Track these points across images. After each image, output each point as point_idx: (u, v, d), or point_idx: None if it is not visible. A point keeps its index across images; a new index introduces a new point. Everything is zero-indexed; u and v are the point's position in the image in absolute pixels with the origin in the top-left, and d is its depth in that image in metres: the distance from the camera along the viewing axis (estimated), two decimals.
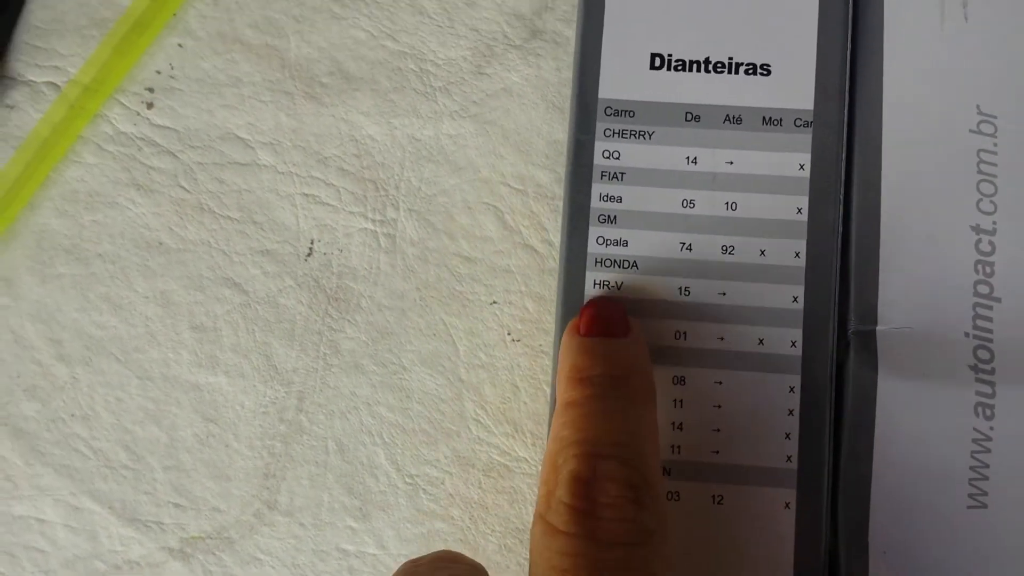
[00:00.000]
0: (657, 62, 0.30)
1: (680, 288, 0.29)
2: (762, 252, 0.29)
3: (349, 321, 0.32)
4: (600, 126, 0.30)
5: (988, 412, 0.28)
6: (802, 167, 0.29)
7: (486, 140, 0.33)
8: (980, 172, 0.29)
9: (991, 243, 0.28)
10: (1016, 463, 0.28)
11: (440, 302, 0.32)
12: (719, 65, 0.30)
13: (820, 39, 0.29)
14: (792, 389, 0.28)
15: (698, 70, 0.30)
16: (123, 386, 0.32)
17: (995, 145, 0.29)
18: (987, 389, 0.28)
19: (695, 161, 0.29)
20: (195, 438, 0.32)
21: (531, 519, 0.31)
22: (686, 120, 0.29)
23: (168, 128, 0.33)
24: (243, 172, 0.33)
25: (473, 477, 0.31)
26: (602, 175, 0.29)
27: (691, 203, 0.29)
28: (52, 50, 0.34)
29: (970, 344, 0.28)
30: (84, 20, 0.34)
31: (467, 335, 0.32)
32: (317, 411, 0.32)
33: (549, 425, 0.29)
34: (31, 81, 0.34)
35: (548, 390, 0.31)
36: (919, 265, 0.29)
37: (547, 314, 0.32)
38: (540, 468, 0.27)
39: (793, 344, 0.28)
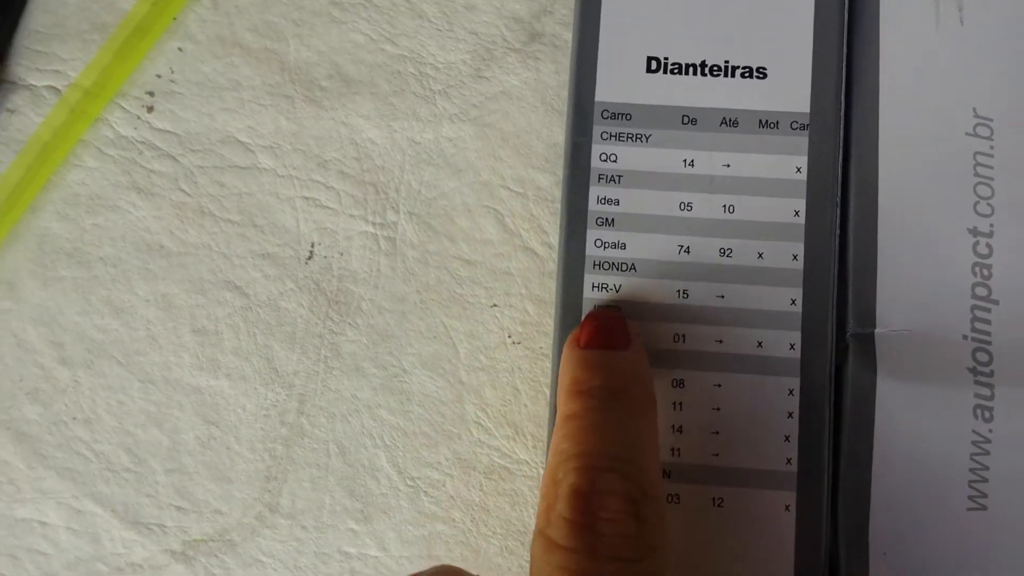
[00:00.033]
0: (653, 65, 0.30)
1: (678, 291, 0.29)
2: (760, 255, 0.29)
3: (350, 324, 0.32)
4: (597, 129, 0.30)
5: (987, 414, 0.28)
6: (799, 170, 0.29)
7: (486, 143, 0.33)
8: (977, 175, 0.29)
9: (988, 245, 0.28)
10: (1015, 464, 0.28)
11: (440, 305, 0.32)
12: (715, 68, 0.30)
13: (816, 42, 0.29)
14: (791, 392, 0.28)
15: (694, 73, 0.30)
16: (125, 389, 0.32)
17: (991, 148, 0.29)
18: (986, 391, 0.28)
19: (692, 164, 0.29)
20: (197, 441, 0.32)
21: (532, 521, 0.31)
22: (683, 123, 0.29)
23: (168, 132, 0.33)
24: (243, 175, 0.33)
25: (474, 479, 0.31)
26: (599, 178, 0.29)
27: (688, 206, 0.29)
28: (53, 54, 0.34)
29: (968, 346, 0.28)
30: (85, 24, 0.34)
31: (468, 338, 0.32)
32: (318, 414, 0.32)
33: (549, 428, 0.29)
34: (32, 85, 0.34)
35: (548, 392, 0.31)
36: (917, 268, 0.29)
37: (547, 317, 0.32)
38: (540, 481, 0.27)
39: (792, 347, 0.28)
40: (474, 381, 0.32)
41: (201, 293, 0.33)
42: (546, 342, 0.32)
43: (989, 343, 0.28)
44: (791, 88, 0.29)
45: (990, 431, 0.28)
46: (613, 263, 0.29)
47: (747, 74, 0.30)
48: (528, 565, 0.30)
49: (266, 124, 0.33)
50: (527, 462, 0.31)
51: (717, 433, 0.28)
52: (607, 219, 0.29)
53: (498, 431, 0.31)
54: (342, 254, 0.32)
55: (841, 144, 0.29)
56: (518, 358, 0.32)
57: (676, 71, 0.30)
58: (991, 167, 0.29)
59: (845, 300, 0.29)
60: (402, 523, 0.31)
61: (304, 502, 0.31)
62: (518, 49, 0.33)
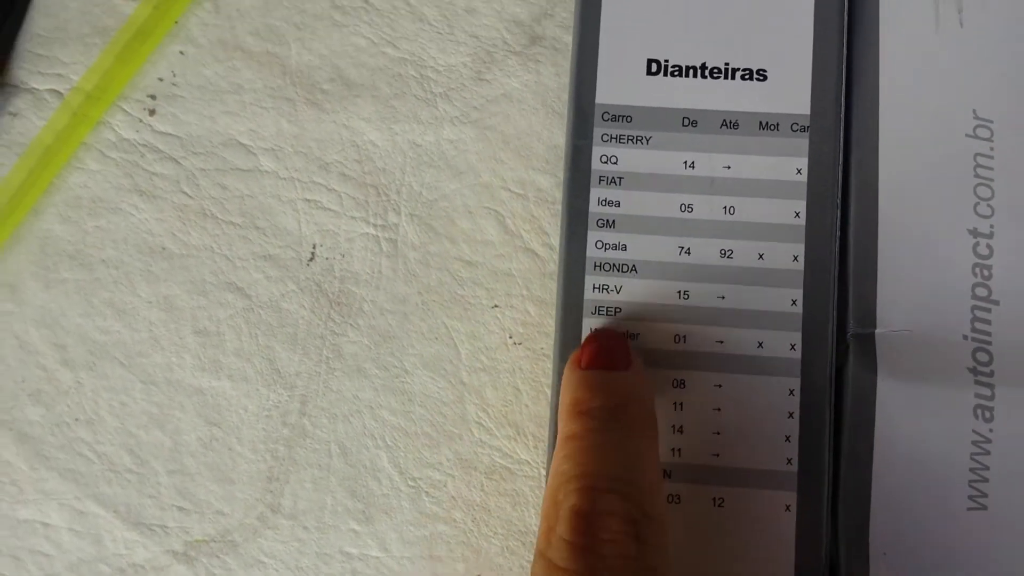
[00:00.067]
0: (654, 68, 0.30)
1: (679, 292, 0.29)
2: (760, 256, 0.29)
3: (351, 325, 0.32)
4: (598, 131, 0.30)
5: (987, 414, 0.28)
6: (799, 171, 0.29)
7: (486, 145, 0.33)
8: (977, 176, 0.29)
9: (989, 246, 0.29)
10: (1015, 465, 0.28)
11: (442, 306, 0.32)
12: (715, 70, 0.30)
13: (816, 44, 0.30)
14: (792, 392, 0.28)
15: (694, 75, 0.30)
16: (127, 390, 0.32)
17: (991, 149, 0.29)
18: (986, 391, 0.28)
19: (692, 165, 0.29)
20: (199, 442, 0.32)
21: (534, 521, 0.31)
22: (683, 125, 0.29)
23: (170, 134, 0.34)
24: (245, 178, 0.33)
25: (475, 480, 0.31)
26: (600, 180, 0.29)
27: (689, 207, 0.29)
28: (55, 58, 0.34)
29: (969, 347, 0.28)
30: (87, 28, 0.34)
31: (469, 338, 0.32)
32: (320, 415, 0.32)
33: (550, 429, 0.29)
34: (34, 89, 0.34)
35: (549, 393, 0.31)
36: (917, 268, 0.29)
37: (548, 318, 0.32)
38: (542, 495, 0.27)
39: (792, 347, 0.28)
40: (475, 382, 0.32)
41: (203, 295, 0.33)
42: (547, 343, 0.32)
43: (989, 343, 0.28)
44: (791, 90, 0.29)
45: (990, 431, 0.28)
46: (614, 264, 0.29)
47: (747, 76, 0.30)
48: (529, 566, 0.30)
49: (268, 127, 0.33)
50: (528, 462, 0.31)
51: (718, 433, 0.28)
52: (608, 221, 0.29)
53: (499, 431, 0.31)
54: (343, 256, 0.33)
55: (841, 146, 0.29)
56: (519, 359, 0.32)
57: (676, 73, 0.30)
58: (991, 168, 0.29)
59: (845, 301, 0.29)
60: (403, 523, 0.31)
61: (306, 503, 0.32)
62: (519, 52, 0.33)
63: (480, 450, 0.31)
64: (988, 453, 0.28)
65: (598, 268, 0.29)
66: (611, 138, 0.30)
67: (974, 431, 0.28)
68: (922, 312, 0.28)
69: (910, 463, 0.28)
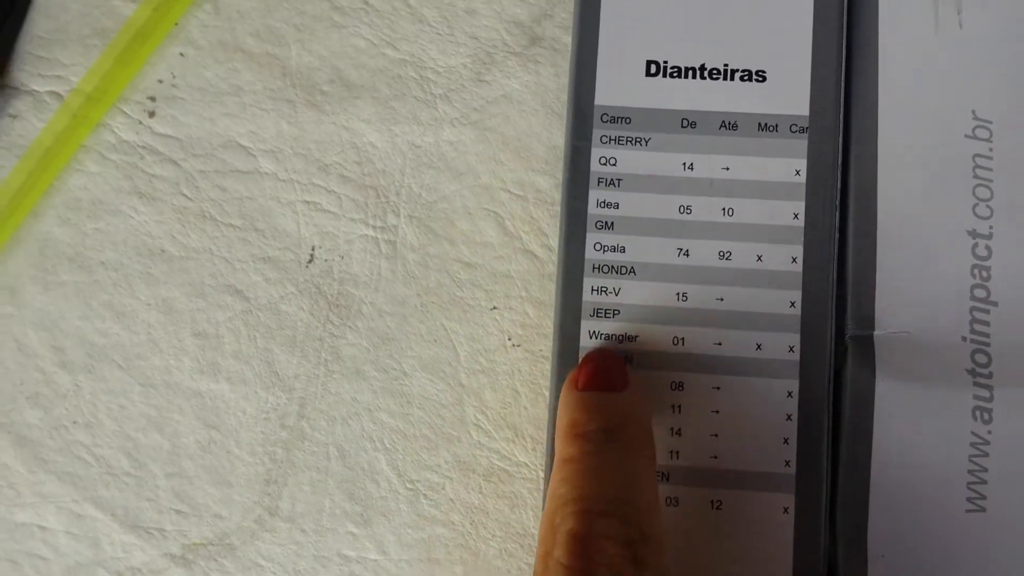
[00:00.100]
0: (653, 69, 0.30)
1: (678, 294, 0.29)
2: (759, 257, 0.29)
3: (350, 327, 0.32)
4: (596, 132, 0.30)
5: (986, 416, 0.28)
6: (798, 172, 0.29)
7: (486, 146, 0.33)
8: (976, 177, 0.29)
9: (987, 247, 0.28)
10: (1014, 466, 0.28)
11: (441, 308, 0.32)
12: (714, 72, 0.30)
13: (815, 45, 0.30)
14: (790, 394, 0.28)
15: (694, 77, 0.30)
16: (125, 393, 0.32)
17: (990, 150, 0.29)
18: (985, 393, 0.28)
19: (691, 167, 0.29)
20: (197, 445, 0.32)
21: (532, 523, 0.31)
22: (682, 126, 0.29)
23: (170, 136, 0.34)
24: (245, 180, 0.33)
25: (474, 482, 0.31)
26: (599, 181, 0.29)
27: (688, 209, 0.29)
28: (55, 60, 0.34)
29: (967, 348, 0.28)
30: (86, 30, 0.34)
31: (468, 340, 0.32)
32: (318, 417, 0.32)
33: (549, 431, 0.29)
34: (34, 91, 0.34)
35: (548, 395, 0.31)
36: (916, 269, 0.29)
37: (547, 319, 0.32)
38: (538, 527, 0.27)
39: (791, 349, 0.28)
40: (474, 384, 0.32)
41: (202, 297, 0.33)
42: (546, 345, 0.32)
43: (988, 345, 0.28)
44: (790, 91, 0.29)
45: (989, 433, 0.28)
46: (612, 266, 0.29)
47: (746, 77, 0.30)
48: (528, 568, 0.30)
49: (267, 128, 0.33)
50: (527, 464, 0.31)
51: (716, 436, 0.28)
52: (607, 222, 0.29)
53: (498, 433, 0.31)
54: (343, 257, 0.33)
55: (840, 147, 0.29)
56: (518, 360, 0.32)
57: (675, 75, 0.30)
58: (990, 169, 0.29)
59: (844, 302, 0.29)
60: (401, 526, 0.31)
61: (304, 505, 0.31)
62: (518, 53, 0.33)
63: (479, 452, 0.31)
64: (987, 455, 0.28)
65: (597, 270, 0.29)
66: (610, 139, 0.30)
67: (973, 433, 0.28)
68: (921, 314, 0.28)
69: (908, 465, 0.28)
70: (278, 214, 0.33)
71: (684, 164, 0.29)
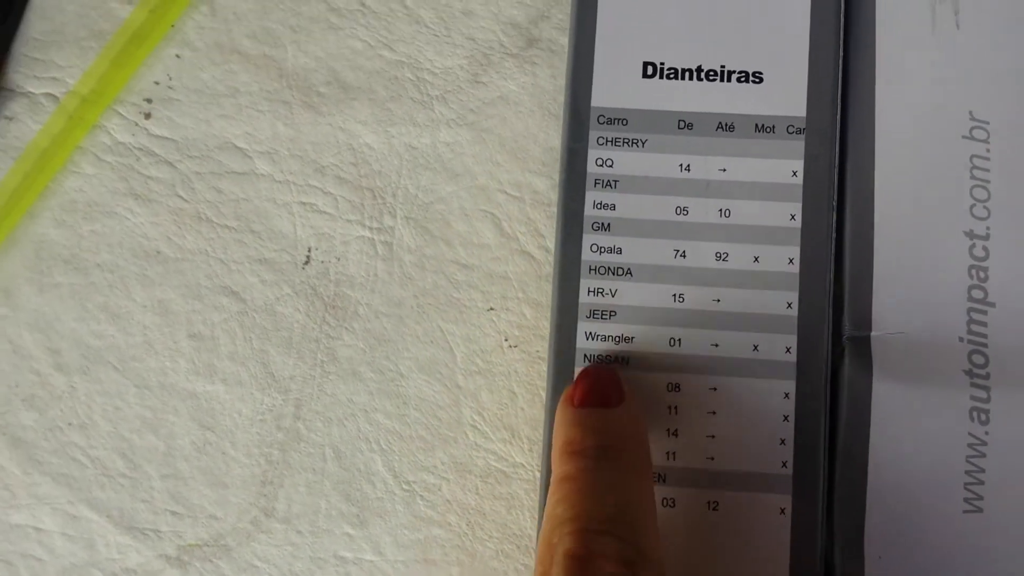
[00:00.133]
0: (649, 70, 0.30)
1: (674, 295, 0.29)
2: (756, 259, 0.29)
3: (347, 328, 0.32)
4: (593, 134, 0.30)
5: (983, 417, 0.28)
6: (795, 174, 0.29)
7: (483, 148, 0.33)
8: (973, 177, 0.29)
9: (985, 248, 0.28)
10: (1012, 467, 0.28)
11: (437, 309, 0.32)
12: (711, 73, 0.30)
13: (812, 46, 0.30)
14: (787, 395, 0.28)
15: (690, 78, 0.30)
16: (121, 395, 0.32)
17: (988, 151, 0.29)
18: (982, 394, 0.28)
19: (688, 168, 0.29)
20: (192, 446, 0.32)
21: (529, 524, 0.31)
22: (679, 128, 0.29)
23: (166, 138, 0.34)
24: (241, 181, 0.33)
25: (470, 483, 0.31)
26: (595, 183, 0.29)
27: (684, 210, 0.29)
28: (51, 62, 0.34)
29: (965, 349, 0.28)
30: (82, 32, 0.34)
31: (464, 342, 0.32)
32: (314, 418, 0.32)
33: (546, 432, 0.29)
34: (30, 92, 0.34)
35: (545, 396, 0.31)
36: (913, 270, 0.29)
37: (544, 320, 0.32)
38: (536, 547, 0.27)
39: (788, 350, 0.28)
40: (471, 385, 0.32)
41: (198, 298, 0.33)
42: (543, 346, 0.32)
43: (985, 345, 0.28)
44: (787, 92, 0.29)
45: (986, 433, 0.28)
46: (609, 267, 0.29)
47: (743, 78, 0.30)
48: (524, 569, 0.30)
49: (264, 130, 0.33)
50: (523, 465, 0.31)
51: (712, 437, 0.28)
52: (603, 223, 0.29)
53: (494, 435, 0.31)
54: (339, 259, 0.32)
55: (837, 148, 0.29)
56: (515, 362, 0.32)
57: (672, 76, 0.30)
58: (987, 170, 0.29)
59: (841, 303, 0.29)
60: (398, 527, 0.31)
61: (300, 507, 0.31)
62: (515, 54, 0.33)
63: (475, 453, 0.31)
64: (984, 456, 0.28)
65: (593, 271, 0.29)
66: (607, 141, 0.30)
67: (970, 434, 0.28)
68: (918, 314, 0.28)
69: (906, 466, 0.28)
70: (274, 215, 0.33)
71: (681, 165, 0.29)
